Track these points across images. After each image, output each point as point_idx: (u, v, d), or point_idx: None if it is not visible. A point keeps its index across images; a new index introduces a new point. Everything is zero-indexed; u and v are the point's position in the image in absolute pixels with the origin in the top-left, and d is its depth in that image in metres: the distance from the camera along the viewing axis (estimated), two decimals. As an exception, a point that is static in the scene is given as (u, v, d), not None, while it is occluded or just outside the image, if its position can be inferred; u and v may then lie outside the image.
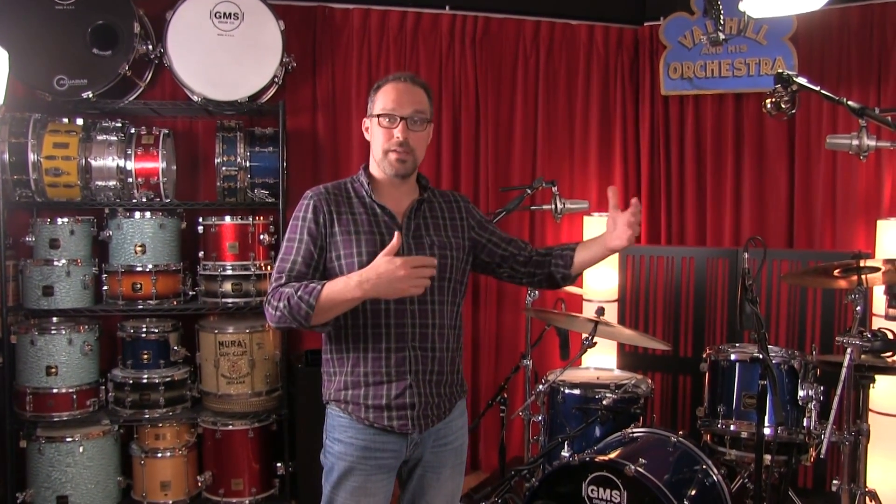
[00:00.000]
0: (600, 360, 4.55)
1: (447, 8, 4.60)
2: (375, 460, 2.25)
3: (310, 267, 2.23)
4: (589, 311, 4.25)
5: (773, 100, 2.98)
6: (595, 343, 3.37)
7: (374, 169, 2.33)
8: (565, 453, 3.30)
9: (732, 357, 3.38)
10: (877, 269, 3.10)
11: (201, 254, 4.08)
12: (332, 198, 2.27)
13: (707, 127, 4.74)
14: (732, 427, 3.30)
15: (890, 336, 3.14)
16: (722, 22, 3.53)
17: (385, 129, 2.25)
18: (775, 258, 4.29)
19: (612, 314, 4.63)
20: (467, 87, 4.65)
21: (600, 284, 4.65)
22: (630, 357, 4.60)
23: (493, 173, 4.70)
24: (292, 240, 2.25)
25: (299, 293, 2.10)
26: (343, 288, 2.08)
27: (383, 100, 2.27)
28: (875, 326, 3.41)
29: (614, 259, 4.62)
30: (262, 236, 4.08)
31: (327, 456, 2.32)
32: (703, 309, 4.48)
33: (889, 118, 2.45)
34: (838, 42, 4.42)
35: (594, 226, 4.64)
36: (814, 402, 3.14)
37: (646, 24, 4.82)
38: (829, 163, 4.46)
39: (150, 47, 4.00)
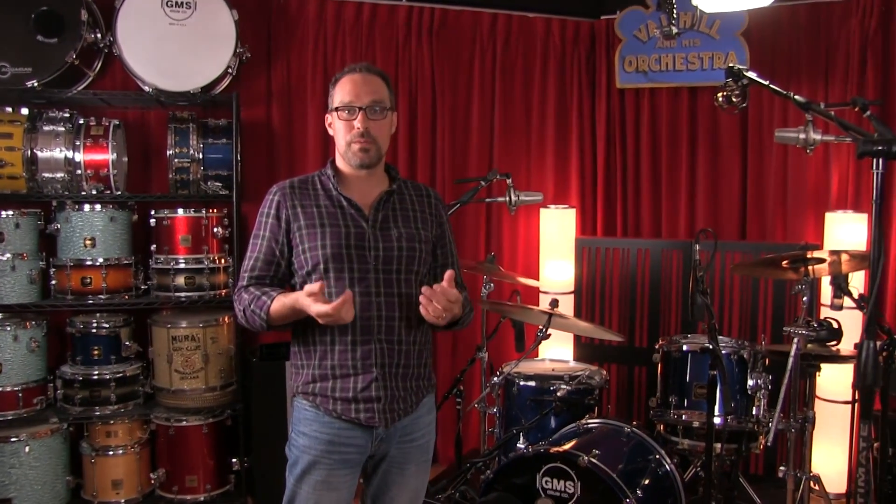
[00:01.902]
0: (557, 352, 4.57)
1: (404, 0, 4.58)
2: (340, 454, 2.25)
3: (271, 264, 2.27)
4: (545, 303, 4.27)
5: (725, 93, 3.01)
6: (549, 335, 3.39)
7: (341, 162, 2.33)
8: (521, 445, 3.32)
9: (684, 348, 3.43)
10: (823, 261, 3.16)
11: (154, 247, 4.02)
12: (297, 192, 2.29)
13: (662, 120, 4.78)
14: (684, 417, 3.35)
15: (835, 326, 3.21)
16: (675, 16, 3.56)
17: (345, 121, 2.25)
18: (728, 250, 4.35)
19: (568, 306, 4.66)
20: (424, 80, 4.63)
21: (556, 276, 4.67)
22: (586, 349, 4.64)
23: (450, 165, 4.68)
24: (256, 237, 2.30)
25: (252, 306, 2.19)
26: (288, 305, 2.15)
27: (341, 93, 2.27)
28: (823, 316, 3.48)
29: (570, 251, 4.65)
30: (215, 229, 4.03)
31: (292, 449, 2.31)
32: (657, 300, 4.53)
33: (832, 113, 2.49)
34: (788, 38, 4.48)
35: (551, 218, 4.67)
36: (762, 391, 3.19)
37: (602, 17, 4.85)
38: (781, 156, 4.54)
39: (100, 36, 3.91)
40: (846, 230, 4.11)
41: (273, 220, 2.27)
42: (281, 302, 2.17)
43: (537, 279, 4.65)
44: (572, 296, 4.69)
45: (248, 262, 2.29)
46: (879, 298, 4.33)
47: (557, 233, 4.63)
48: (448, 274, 2.14)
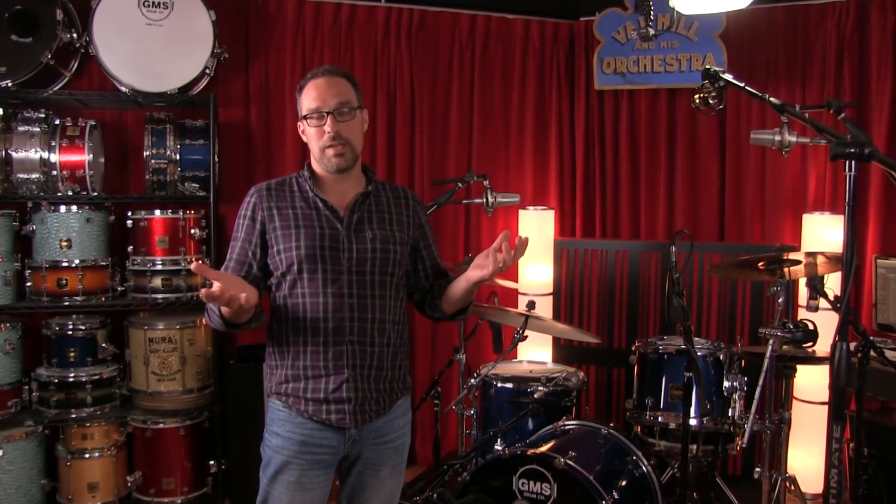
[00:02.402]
0: (536, 354, 4.58)
1: (382, 0, 4.56)
2: (313, 455, 2.25)
3: (243, 265, 2.27)
4: (523, 305, 4.27)
5: (702, 95, 3.02)
6: (526, 337, 3.39)
7: (317, 166, 2.33)
8: (499, 447, 3.32)
9: (659, 350, 3.44)
10: (798, 262, 3.18)
11: (130, 248, 3.99)
12: (274, 193, 2.30)
13: (641, 122, 4.80)
14: (660, 419, 3.36)
15: (811, 327, 3.22)
16: (652, 18, 3.57)
17: (316, 127, 2.25)
18: (707, 251, 4.37)
19: (547, 307, 4.66)
20: (402, 81, 4.62)
21: (535, 277, 4.68)
22: (565, 350, 4.64)
23: (429, 167, 4.68)
24: (235, 239, 2.31)
25: (209, 305, 2.16)
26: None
27: (307, 99, 2.27)
28: (801, 318, 3.49)
29: (549, 252, 4.66)
30: (192, 230, 4.00)
31: (265, 449, 2.31)
32: (636, 301, 4.54)
33: (807, 115, 2.50)
34: (766, 40, 4.51)
35: (529, 220, 4.67)
36: (738, 393, 3.20)
37: (581, 19, 4.86)
38: (759, 158, 4.56)
39: (76, 36, 3.88)
40: (823, 231, 4.14)
41: (249, 221, 2.28)
42: None
43: (516, 281, 4.65)
44: (551, 297, 4.69)
45: (227, 263, 2.30)
46: (857, 300, 4.38)
47: (536, 234, 4.62)
48: (503, 234, 2.15)
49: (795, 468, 4.19)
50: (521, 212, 4.71)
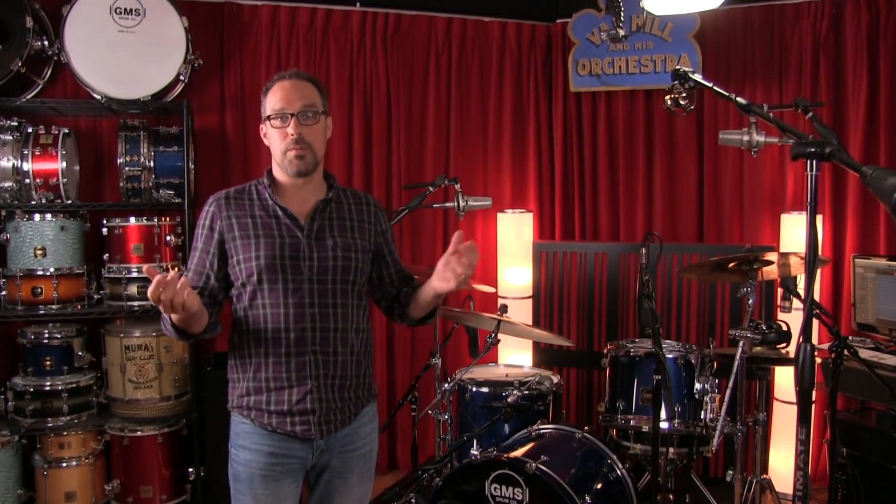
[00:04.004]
0: (516, 358, 4.57)
1: (357, 5, 4.56)
2: (283, 466, 2.24)
3: (201, 276, 2.24)
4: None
5: (672, 96, 3.01)
6: (499, 340, 3.37)
7: (277, 171, 2.30)
8: (475, 451, 3.29)
9: (630, 353, 3.42)
10: (770, 263, 3.17)
11: (106, 256, 3.97)
12: (233, 202, 2.27)
13: (619, 123, 4.79)
14: (632, 422, 3.34)
15: (784, 328, 3.21)
16: (622, 19, 3.56)
17: (279, 129, 2.22)
18: (686, 252, 4.36)
19: (526, 311, 4.65)
20: (379, 85, 4.61)
21: (514, 281, 4.66)
22: (545, 353, 4.63)
23: (406, 171, 4.67)
24: (194, 248, 2.29)
25: (164, 315, 2.10)
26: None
27: (272, 100, 2.24)
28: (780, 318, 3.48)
29: (528, 255, 4.65)
30: (168, 237, 3.99)
31: (233, 464, 2.29)
32: (615, 304, 4.53)
33: (771, 115, 2.50)
34: (743, 40, 4.51)
35: (508, 223, 4.66)
36: (709, 395, 3.19)
37: (558, 20, 4.85)
38: (737, 158, 4.56)
39: (47, 43, 3.87)
40: (801, 231, 4.13)
41: (207, 231, 2.26)
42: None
43: (494, 286, 4.64)
44: (530, 300, 4.68)
45: (186, 273, 2.27)
46: (837, 300, 4.37)
47: (515, 237, 4.62)
48: (457, 234, 2.16)
49: (777, 469, 4.20)
50: (499, 215, 4.70)
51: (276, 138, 2.24)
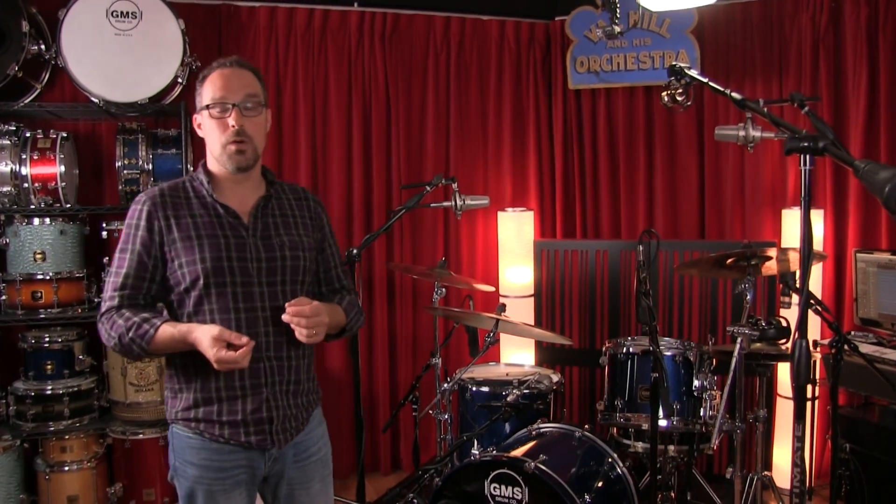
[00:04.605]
0: (519, 356, 4.56)
1: (355, 5, 4.54)
2: (233, 479, 2.13)
3: (143, 281, 2.09)
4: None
5: (669, 93, 2.99)
6: (498, 340, 3.36)
7: (214, 165, 2.17)
8: (476, 451, 3.29)
9: (629, 350, 3.40)
10: (769, 259, 3.15)
11: (106, 259, 3.96)
12: (169, 201, 2.11)
13: (619, 120, 4.77)
14: (631, 420, 3.32)
15: (783, 324, 3.20)
16: (618, 15, 3.54)
17: (218, 119, 2.08)
18: (686, 249, 4.34)
19: (528, 309, 4.64)
20: (377, 85, 4.60)
21: (515, 280, 4.65)
22: (547, 352, 4.62)
23: (406, 171, 4.65)
24: (125, 251, 2.10)
25: (131, 334, 2.01)
26: (177, 338, 2.01)
27: (211, 89, 2.09)
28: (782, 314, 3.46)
29: (529, 254, 4.63)
30: (167, 240, 3.98)
31: (179, 480, 2.15)
32: (617, 301, 4.51)
33: (765, 109, 2.48)
34: (742, 35, 4.49)
35: (509, 222, 4.64)
36: (708, 392, 3.17)
37: (557, 18, 4.83)
38: (738, 154, 4.54)
39: (44, 47, 3.87)
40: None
41: (144, 232, 2.08)
42: (168, 333, 2.01)
43: (497, 283, 4.63)
44: (532, 299, 4.66)
45: (115, 278, 2.09)
46: (840, 295, 4.35)
47: (515, 236, 4.61)
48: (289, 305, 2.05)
49: (780, 465, 4.18)
50: (500, 213, 4.69)
51: (213, 130, 2.09)
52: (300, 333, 2.04)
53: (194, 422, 2.11)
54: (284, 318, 2.04)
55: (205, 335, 1.95)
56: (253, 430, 2.11)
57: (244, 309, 2.09)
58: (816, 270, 4.20)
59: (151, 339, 2.00)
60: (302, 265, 2.20)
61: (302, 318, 2.03)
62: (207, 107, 2.09)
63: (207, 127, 2.12)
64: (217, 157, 2.13)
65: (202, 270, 2.05)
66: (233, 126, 2.07)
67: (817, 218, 4.22)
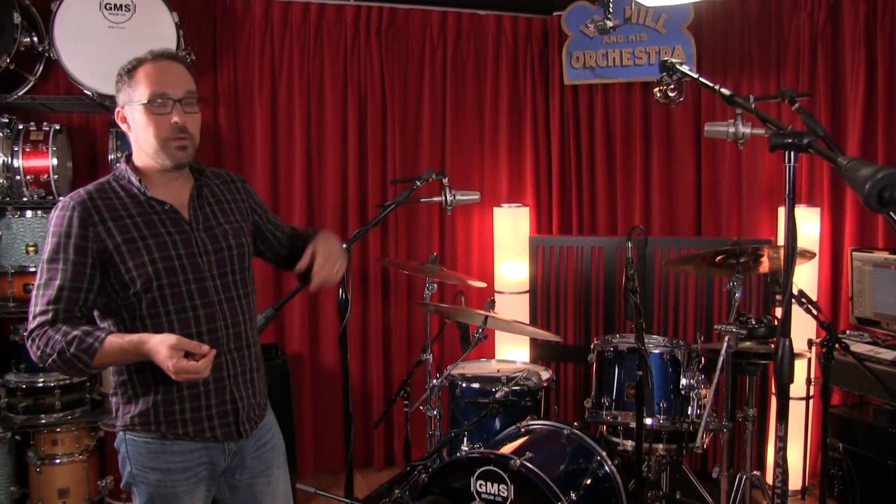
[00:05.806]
0: (514, 352, 4.54)
1: (351, -1, 4.54)
2: (196, 477, 2.10)
3: (80, 292, 1.97)
4: (500, 303, 4.23)
5: (661, 88, 2.97)
6: (486, 336, 3.35)
7: (143, 161, 2.08)
8: (465, 447, 3.28)
9: (616, 348, 3.38)
10: (759, 256, 3.12)
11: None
12: (101, 203, 2.00)
13: (616, 116, 4.75)
14: (618, 418, 3.30)
15: (775, 322, 3.17)
16: (611, 10, 3.52)
17: (157, 115, 1.99)
18: (681, 246, 4.31)
19: (523, 306, 4.62)
20: (373, 80, 4.58)
21: (511, 275, 4.63)
22: (542, 348, 4.59)
23: (401, 166, 4.63)
24: (56, 261, 1.96)
25: (73, 350, 1.88)
26: (128, 349, 1.91)
27: (148, 83, 1.99)
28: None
29: (524, 250, 4.61)
30: (159, 234, 3.97)
31: (139, 486, 2.08)
32: (613, 298, 4.49)
33: (754, 106, 2.45)
34: (740, 31, 4.46)
35: (504, 217, 4.62)
36: (696, 391, 3.14)
37: (554, 13, 4.80)
38: (735, 151, 4.51)
39: (37, 40, 3.87)
40: (799, 224, 4.06)
41: (78, 240, 1.96)
42: (116, 345, 1.91)
43: (492, 279, 4.61)
44: (527, 295, 4.64)
45: (48, 291, 1.95)
46: (836, 294, 4.32)
47: (511, 232, 4.59)
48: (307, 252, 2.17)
49: (772, 464, 4.14)
50: (495, 209, 4.67)
51: (150, 126, 2.00)
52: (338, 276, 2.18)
53: (154, 425, 2.04)
54: (312, 287, 2.17)
55: (161, 345, 1.85)
56: (218, 423, 2.09)
57: (201, 305, 2.05)
58: (812, 269, 4.17)
59: (96, 353, 1.89)
60: (247, 251, 2.20)
61: (329, 270, 2.16)
62: (147, 102, 2.00)
63: (140, 122, 2.02)
64: (152, 153, 2.04)
65: (153, 272, 1.99)
66: (176, 122, 2.01)
67: (814, 216, 4.19)
